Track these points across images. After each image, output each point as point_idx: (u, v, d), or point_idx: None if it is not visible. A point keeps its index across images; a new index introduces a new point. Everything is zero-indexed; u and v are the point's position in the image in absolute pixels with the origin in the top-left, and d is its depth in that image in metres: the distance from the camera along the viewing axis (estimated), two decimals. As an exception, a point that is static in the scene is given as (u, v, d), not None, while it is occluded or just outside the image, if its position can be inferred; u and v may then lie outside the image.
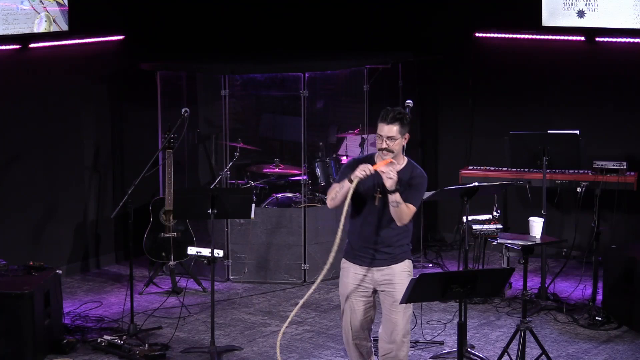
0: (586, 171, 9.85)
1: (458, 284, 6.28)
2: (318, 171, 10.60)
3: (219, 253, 8.19)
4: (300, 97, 10.19)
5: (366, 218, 6.82)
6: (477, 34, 11.06)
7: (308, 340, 8.66)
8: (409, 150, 7.01)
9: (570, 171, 10.00)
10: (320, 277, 6.79)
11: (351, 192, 6.62)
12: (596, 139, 10.26)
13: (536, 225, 8.33)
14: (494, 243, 9.05)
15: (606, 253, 9.13)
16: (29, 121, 9.98)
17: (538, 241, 8.31)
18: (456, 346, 7.25)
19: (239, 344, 8.56)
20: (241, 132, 10.66)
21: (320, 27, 11.69)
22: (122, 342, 8.29)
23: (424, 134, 11.53)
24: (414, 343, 8.37)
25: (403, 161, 6.83)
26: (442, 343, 8.52)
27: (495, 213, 9.36)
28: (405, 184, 6.71)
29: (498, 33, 10.97)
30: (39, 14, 9.77)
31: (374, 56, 10.85)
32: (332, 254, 6.65)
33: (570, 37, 10.56)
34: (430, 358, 8.20)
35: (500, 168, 10.36)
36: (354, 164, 6.79)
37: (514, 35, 10.88)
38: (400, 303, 6.48)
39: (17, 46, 9.67)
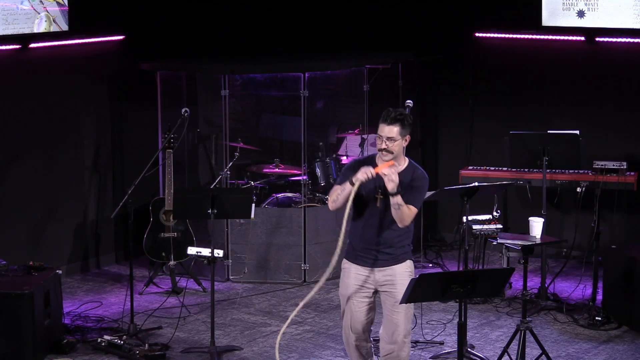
0: (586, 171, 9.85)
1: (458, 284, 6.28)
2: (318, 171, 10.59)
3: (219, 253, 8.18)
4: (300, 97, 10.19)
5: (368, 220, 6.81)
6: (477, 34, 11.05)
7: (308, 340, 8.66)
8: (409, 151, 6.99)
9: (570, 171, 9.99)
10: (322, 280, 6.76)
11: (353, 195, 6.61)
12: (596, 139, 10.26)
13: (536, 225, 8.32)
14: (494, 243, 9.06)
15: (606, 253, 9.13)
16: (29, 121, 9.97)
17: (538, 241, 8.31)
18: (456, 346, 7.25)
19: (239, 344, 8.55)
20: (241, 132, 10.66)
21: (320, 27, 11.68)
22: (122, 342, 8.29)
23: (424, 134, 11.52)
24: (414, 343, 8.36)
25: (404, 162, 6.83)
26: (442, 343, 8.52)
27: (495, 213, 9.35)
28: (406, 186, 6.71)
29: (498, 33, 10.97)
30: (39, 14, 9.76)
31: (374, 56, 10.85)
32: (335, 257, 6.63)
33: (570, 37, 10.56)
34: (430, 358, 8.19)
35: (500, 168, 10.36)
36: (355, 165, 6.78)
37: (514, 35, 10.88)
38: (401, 303, 6.48)
39: (17, 46, 9.67)
